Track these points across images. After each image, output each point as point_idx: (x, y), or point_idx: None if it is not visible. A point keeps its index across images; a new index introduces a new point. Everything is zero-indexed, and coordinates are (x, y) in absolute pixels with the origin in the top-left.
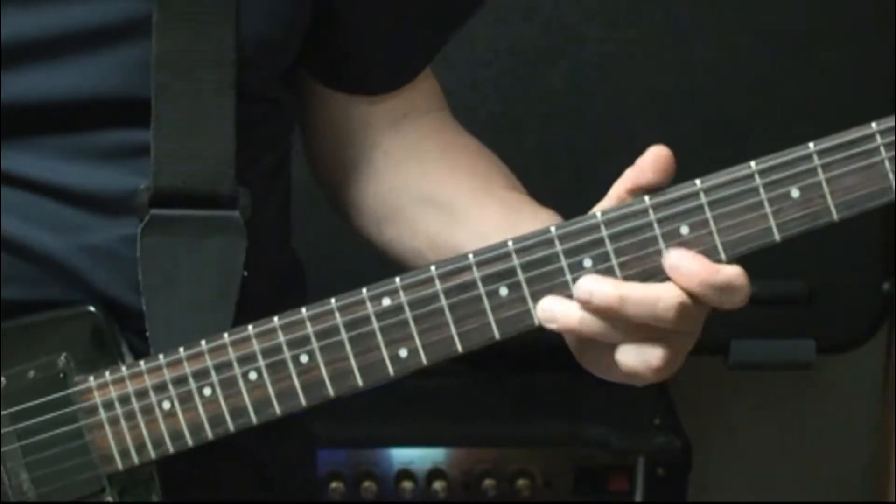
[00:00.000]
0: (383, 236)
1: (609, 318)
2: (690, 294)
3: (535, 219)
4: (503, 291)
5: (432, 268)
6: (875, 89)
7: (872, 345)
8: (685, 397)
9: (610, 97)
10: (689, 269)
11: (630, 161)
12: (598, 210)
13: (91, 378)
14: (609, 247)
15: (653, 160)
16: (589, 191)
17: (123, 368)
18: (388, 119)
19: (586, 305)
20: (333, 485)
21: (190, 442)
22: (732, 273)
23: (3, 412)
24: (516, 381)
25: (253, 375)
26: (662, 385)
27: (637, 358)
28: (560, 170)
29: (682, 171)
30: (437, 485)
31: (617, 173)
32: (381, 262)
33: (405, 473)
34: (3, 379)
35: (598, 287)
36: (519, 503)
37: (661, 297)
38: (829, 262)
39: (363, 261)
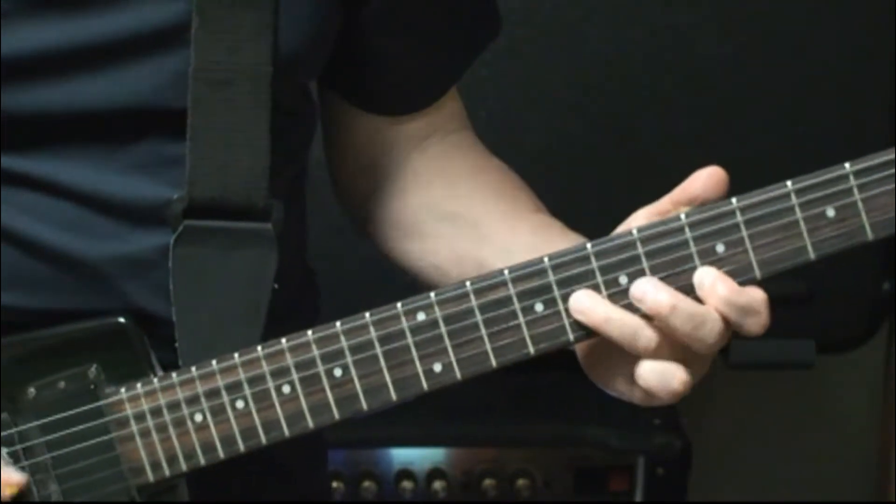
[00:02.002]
0: (405, 251)
1: (651, 326)
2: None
3: (565, 240)
4: (539, 307)
5: (467, 283)
6: (875, 89)
7: (872, 345)
8: (685, 397)
9: (610, 97)
10: (714, 287)
11: (630, 160)
12: (635, 224)
13: (122, 390)
14: (645, 264)
15: (705, 180)
16: (589, 191)
17: (155, 381)
18: (415, 138)
19: (638, 304)
20: (334, 485)
21: (222, 455)
22: (755, 295)
23: (33, 423)
24: (516, 381)
25: (286, 389)
26: None
27: (658, 378)
28: (560, 170)
29: (682, 170)
30: (437, 485)
31: (617, 173)
32: (386, 275)
33: (405, 473)
34: (32, 389)
35: (654, 290)
36: (519, 503)
37: (709, 317)
38: (829, 262)
39: (367, 272)
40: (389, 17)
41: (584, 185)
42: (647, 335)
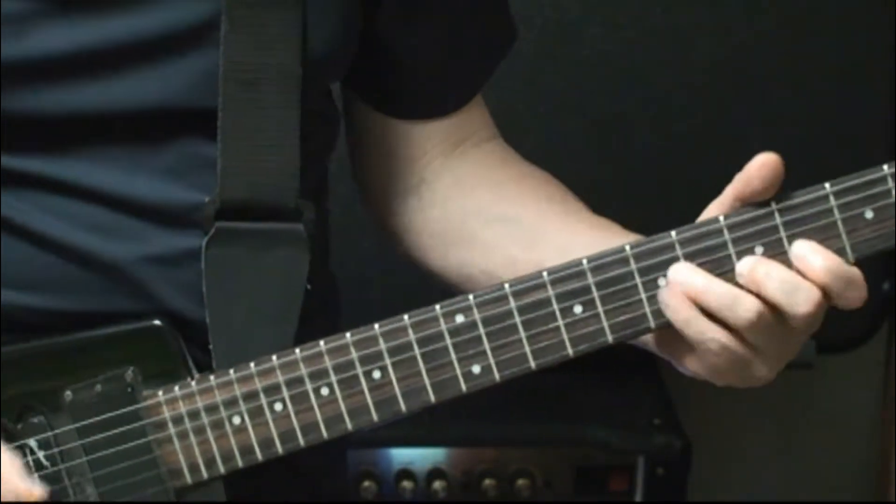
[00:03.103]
0: (451, 260)
1: (751, 294)
2: (820, 286)
3: (626, 237)
4: (577, 309)
5: (506, 285)
6: (875, 89)
7: (872, 345)
8: (685, 397)
9: (610, 97)
10: (815, 257)
11: (629, 161)
12: (717, 214)
13: (160, 393)
14: None
15: (758, 168)
16: (589, 191)
17: (193, 383)
18: (447, 144)
19: (738, 278)
20: None
21: (260, 457)
22: (854, 269)
23: (70, 426)
24: (516, 381)
25: (325, 391)
26: (662, 385)
27: (739, 371)
28: (560, 170)
29: (682, 170)
30: (437, 485)
31: (617, 173)
32: (404, 275)
33: (405, 473)
34: (68, 392)
35: (751, 259)
36: (519, 503)
37: (802, 284)
38: None
39: (382, 273)
40: (412, 16)
41: (584, 185)
42: (747, 302)
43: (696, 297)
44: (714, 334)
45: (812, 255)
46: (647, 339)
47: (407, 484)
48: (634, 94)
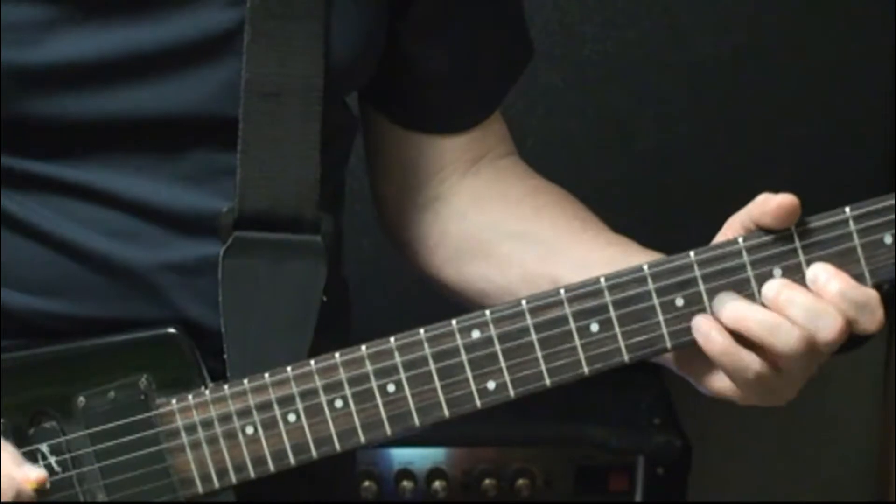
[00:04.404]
0: (467, 275)
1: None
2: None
3: (644, 255)
4: (594, 327)
5: (523, 302)
6: (875, 89)
7: (872, 345)
8: (685, 397)
9: (610, 97)
10: (828, 281)
11: (629, 161)
12: (731, 236)
13: (174, 401)
14: (702, 287)
15: (776, 208)
16: (589, 191)
17: (206, 392)
18: (465, 160)
19: (764, 300)
20: None
21: (272, 468)
22: (869, 292)
23: (82, 432)
24: None
25: (339, 403)
26: (662, 385)
27: (764, 396)
28: (560, 170)
29: (682, 170)
30: (437, 485)
31: (617, 173)
32: (413, 288)
33: (405, 473)
34: (81, 398)
35: (777, 284)
36: (519, 503)
37: (825, 311)
38: None
39: (392, 284)
40: (434, 31)
41: (584, 184)
42: (789, 329)
43: (735, 322)
44: (753, 364)
45: (827, 278)
46: (668, 358)
47: (407, 484)
48: (634, 94)
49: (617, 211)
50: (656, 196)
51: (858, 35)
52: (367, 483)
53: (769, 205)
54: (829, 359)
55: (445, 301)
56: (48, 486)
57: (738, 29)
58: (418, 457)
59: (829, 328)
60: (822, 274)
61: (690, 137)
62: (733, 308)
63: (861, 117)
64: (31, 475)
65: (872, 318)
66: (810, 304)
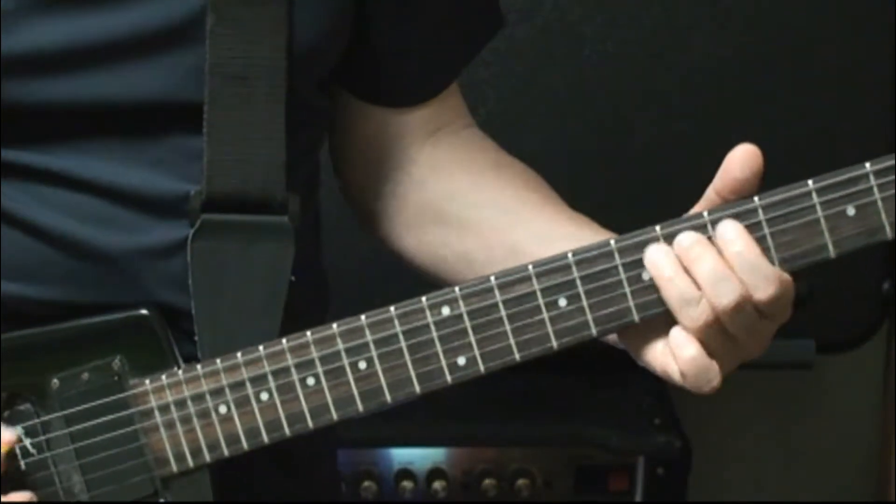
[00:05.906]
0: (426, 242)
1: (705, 300)
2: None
3: (606, 234)
4: (562, 302)
5: (492, 278)
6: (875, 89)
7: (872, 345)
8: (685, 397)
9: (610, 97)
10: (733, 239)
11: (629, 161)
12: (705, 210)
13: (147, 381)
14: None
15: (740, 159)
16: (589, 191)
17: (180, 372)
18: (423, 131)
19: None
20: None
21: (246, 446)
22: (773, 268)
23: (57, 414)
24: (516, 381)
25: (311, 381)
26: (662, 385)
27: (696, 372)
28: (560, 170)
29: (682, 169)
30: (437, 485)
31: (616, 173)
32: (390, 272)
33: (405, 473)
34: (55, 380)
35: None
36: (519, 503)
37: (727, 274)
38: (829, 261)
39: (369, 270)
40: (392, 8)
41: (584, 184)
42: (700, 307)
43: (660, 283)
44: (698, 302)
45: (732, 238)
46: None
47: (407, 484)
48: (634, 94)
49: (617, 210)
50: (656, 196)
51: (858, 35)
52: (366, 483)
53: (727, 177)
54: (830, 358)
55: (424, 291)
56: (19, 450)
57: (738, 29)
58: (418, 457)
59: (728, 293)
60: (729, 230)
61: (690, 137)
62: (661, 268)
63: (861, 117)
64: (2, 437)
65: (766, 290)
66: (718, 267)
